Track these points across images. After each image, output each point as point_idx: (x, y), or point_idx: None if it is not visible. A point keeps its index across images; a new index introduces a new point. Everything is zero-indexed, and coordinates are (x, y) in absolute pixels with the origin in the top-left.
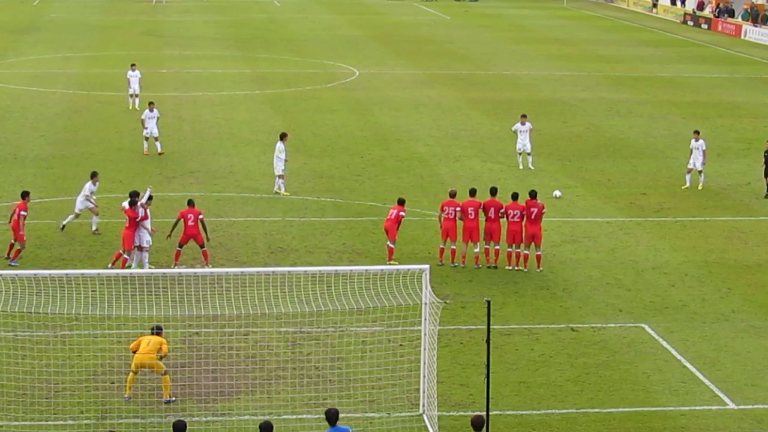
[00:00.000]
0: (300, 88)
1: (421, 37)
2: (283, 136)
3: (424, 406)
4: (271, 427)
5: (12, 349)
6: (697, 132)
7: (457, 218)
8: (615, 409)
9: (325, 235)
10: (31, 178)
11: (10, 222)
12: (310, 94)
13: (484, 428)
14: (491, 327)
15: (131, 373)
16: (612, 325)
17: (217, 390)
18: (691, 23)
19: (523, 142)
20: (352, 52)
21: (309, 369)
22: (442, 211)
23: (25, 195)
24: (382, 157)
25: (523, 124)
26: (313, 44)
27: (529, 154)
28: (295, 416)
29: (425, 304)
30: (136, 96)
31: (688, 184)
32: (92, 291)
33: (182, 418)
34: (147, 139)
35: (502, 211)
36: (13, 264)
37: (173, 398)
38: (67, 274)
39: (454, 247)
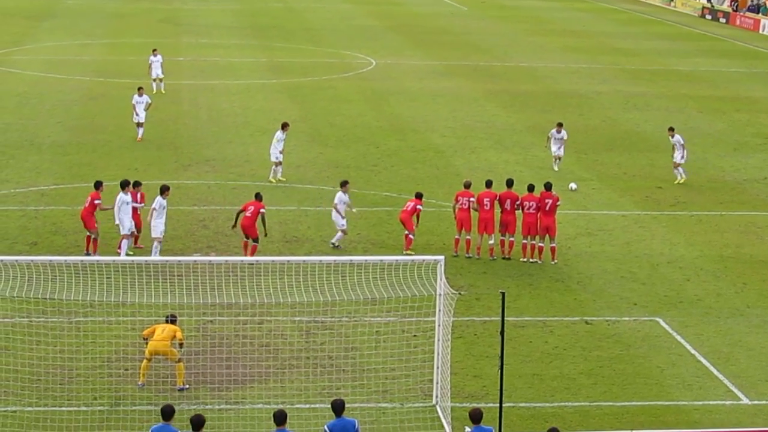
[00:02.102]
0: (316, 78)
1: (438, 28)
2: (284, 126)
3: (437, 397)
4: (285, 416)
5: (27, 335)
6: (671, 129)
7: (471, 209)
8: (628, 402)
9: None
10: (47, 165)
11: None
12: (326, 83)
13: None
14: (505, 319)
15: (145, 360)
16: (626, 318)
17: (231, 378)
18: (709, 17)
19: (556, 148)
20: (369, 42)
21: (322, 358)
22: (457, 201)
23: (98, 185)
24: (398, 148)
25: (558, 132)
26: (330, 34)
27: (559, 158)
28: (308, 405)
29: (439, 295)
30: (160, 80)
31: (679, 178)
32: (107, 278)
33: (200, 414)
34: (138, 125)
35: (517, 203)
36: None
37: (186, 386)
38: (82, 260)
39: (469, 237)
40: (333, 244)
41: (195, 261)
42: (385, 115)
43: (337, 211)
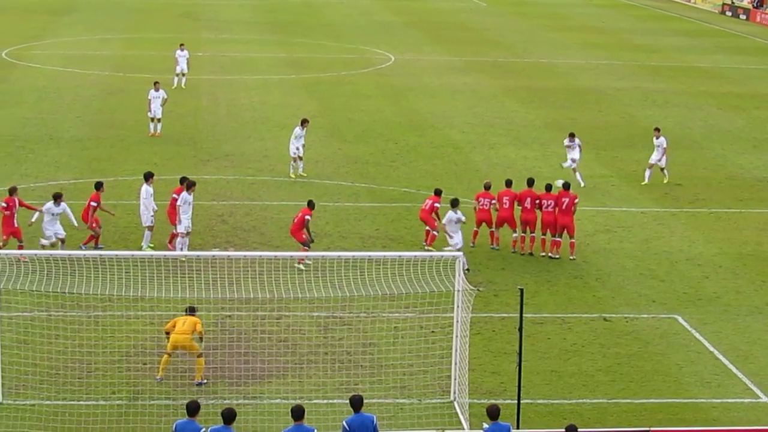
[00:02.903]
0: (335, 73)
1: (457, 24)
2: (303, 122)
3: (455, 393)
4: (303, 411)
5: (45, 329)
6: (657, 129)
7: (492, 209)
8: (646, 399)
9: (358, 220)
10: (66, 159)
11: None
12: (345, 79)
13: (515, 418)
14: (524, 315)
15: (166, 355)
16: (645, 315)
17: (249, 373)
18: (729, 14)
19: (571, 156)
20: (388, 37)
21: (340, 354)
22: (477, 201)
23: (99, 186)
24: (417, 144)
25: (571, 141)
26: (349, 29)
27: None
28: (326, 401)
29: (458, 291)
30: (183, 75)
31: (647, 180)
32: (126, 272)
33: (231, 407)
34: (152, 119)
35: (538, 201)
36: (99, 246)
37: (205, 380)
38: (101, 254)
39: (492, 229)
40: (466, 268)
41: (214, 256)
42: (403, 110)
43: (446, 232)
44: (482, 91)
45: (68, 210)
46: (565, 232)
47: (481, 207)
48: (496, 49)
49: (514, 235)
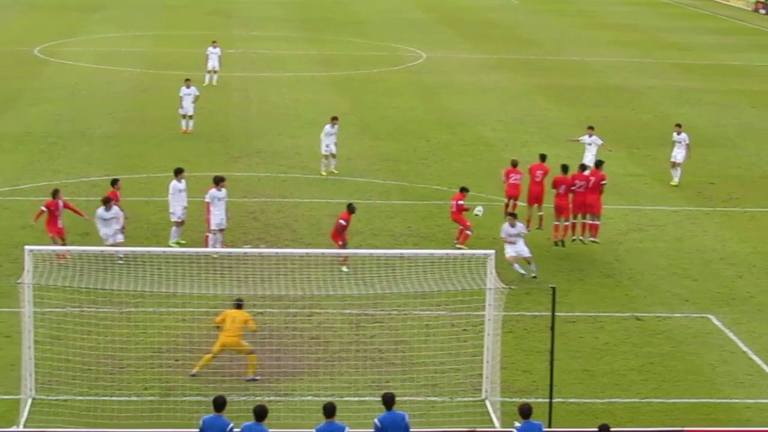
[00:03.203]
0: (366, 71)
1: (488, 21)
2: (334, 119)
3: (486, 391)
4: (334, 409)
5: (78, 325)
6: (678, 125)
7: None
8: (679, 399)
9: (390, 218)
10: (98, 155)
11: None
12: (376, 76)
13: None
14: (555, 314)
15: (211, 355)
16: (677, 315)
17: (281, 370)
18: (762, 11)
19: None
20: (419, 35)
21: (372, 351)
22: (508, 178)
23: (114, 183)
24: (449, 141)
25: (590, 136)
26: (380, 27)
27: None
28: (357, 398)
29: (490, 289)
30: (215, 72)
31: (677, 180)
32: (158, 269)
33: (263, 404)
34: (184, 116)
35: (573, 187)
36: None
37: (258, 377)
38: (133, 251)
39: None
40: (534, 276)
41: (245, 253)
42: (435, 108)
43: (510, 243)
44: (513, 88)
45: (120, 214)
46: (590, 213)
47: (511, 183)
48: (527, 46)
49: (540, 213)
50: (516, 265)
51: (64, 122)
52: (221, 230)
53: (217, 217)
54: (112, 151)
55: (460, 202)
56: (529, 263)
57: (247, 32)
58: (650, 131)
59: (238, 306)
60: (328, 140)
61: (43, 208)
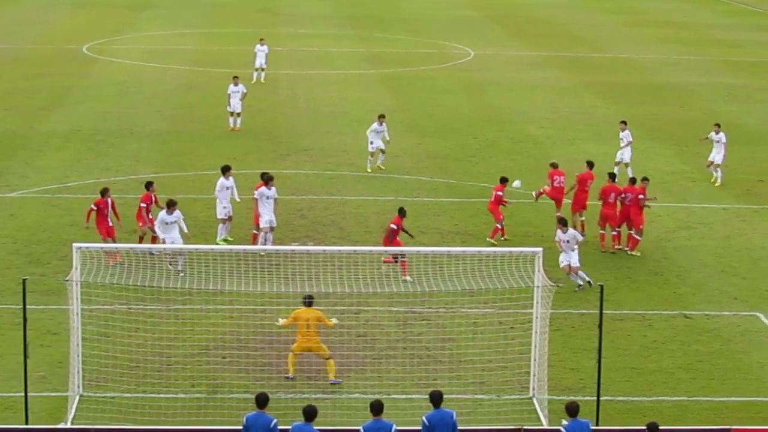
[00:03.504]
0: (414, 68)
1: (537, 19)
2: (381, 117)
3: (534, 389)
4: (381, 406)
5: (125, 322)
6: (718, 125)
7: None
8: (727, 398)
9: (437, 215)
10: (146, 153)
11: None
12: (424, 74)
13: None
14: (603, 312)
15: (291, 354)
16: (726, 313)
17: (336, 369)
18: None
19: (624, 154)
20: (467, 32)
21: (419, 349)
22: (552, 180)
23: (148, 186)
24: (496, 139)
25: (622, 131)
26: (428, 24)
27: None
28: (404, 396)
29: (537, 287)
30: (263, 70)
31: (719, 181)
32: (205, 266)
33: (313, 404)
34: (232, 114)
35: (621, 196)
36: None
37: (339, 379)
38: (180, 248)
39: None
40: (581, 286)
41: (293, 250)
42: (483, 105)
43: (563, 249)
44: (561, 86)
45: (181, 218)
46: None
47: (554, 186)
48: (575, 44)
49: (582, 218)
50: (572, 275)
51: (112, 120)
52: (271, 228)
53: (267, 215)
54: (160, 148)
55: (499, 193)
56: (576, 273)
57: (295, 30)
58: (699, 129)
59: (309, 304)
60: (375, 138)
61: (93, 207)
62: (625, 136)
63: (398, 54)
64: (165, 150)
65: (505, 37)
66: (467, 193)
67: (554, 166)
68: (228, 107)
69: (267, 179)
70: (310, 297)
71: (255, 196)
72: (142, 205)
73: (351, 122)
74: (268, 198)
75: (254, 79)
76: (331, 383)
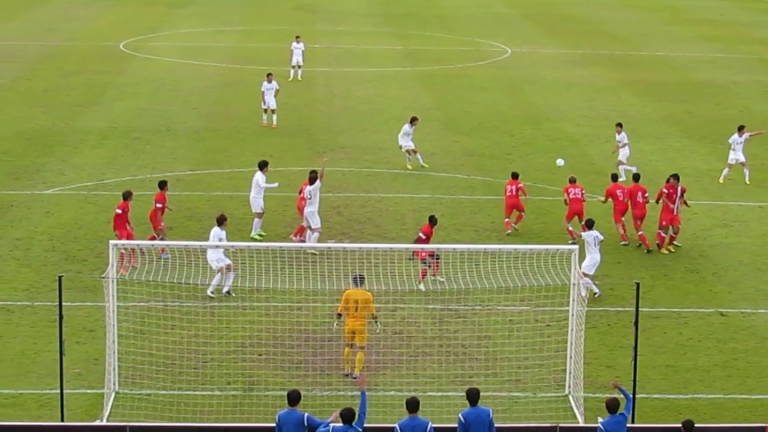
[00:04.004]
0: (451, 66)
1: (573, 16)
2: (413, 120)
3: (570, 387)
4: (417, 404)
5: (162, 319)
6: (742, 126)
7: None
8: (763, 396)
9: (474, 213)
10: (182, 150)
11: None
12: (461, 71)
13: (630, 412)
14: (639, 309)
15: (347, 347)
16: (762, 311)
17: (364, 365)
18: None
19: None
20: (504, 30)
21: (455, 346)
22: (567, 193)
23: (162, 185)
24: (533, 137)
25: (618, 134)
26: (465, 22)
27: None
28: (440, 393)
29: (573, 284)
30: (299, 67)
31: (747, 180)
32: (241, 263)
33: (350, 407)
34: (265, 111)
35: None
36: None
37: (358, 375)
38: (217, 246)
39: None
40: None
41: (329, 248)
42: (519, 103)
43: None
44: (598, 84)
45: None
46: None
47: (573, 198)
48: (611, 42)
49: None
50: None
51: (148, 117)
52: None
53: (312, 214)
54: (197, 145)
55: (513, 187)
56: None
57: (332, 27)
58: (735, 126)
59: (359, 282)
60: (405, 140)
61: (158, 205)
62: (622, 138)
63: (435, 51)
64: (201, 147)
65: (541, 35)
66: (504, 190)
67: (572, 181)
68: (262, 104)
69: (312, 178)
70: (361, 276)
71: (305, 195)
72: (158, 205)
73: (388, 120)
74: (311, 197)
75: (291, 77)
76: (350, 376)
